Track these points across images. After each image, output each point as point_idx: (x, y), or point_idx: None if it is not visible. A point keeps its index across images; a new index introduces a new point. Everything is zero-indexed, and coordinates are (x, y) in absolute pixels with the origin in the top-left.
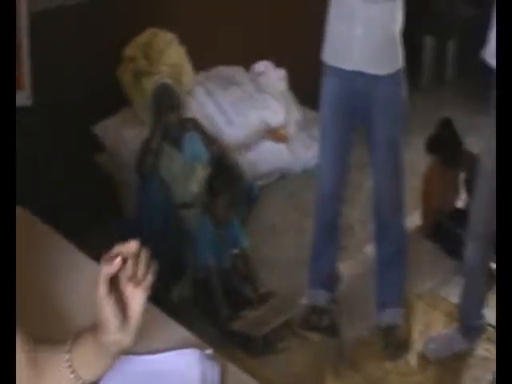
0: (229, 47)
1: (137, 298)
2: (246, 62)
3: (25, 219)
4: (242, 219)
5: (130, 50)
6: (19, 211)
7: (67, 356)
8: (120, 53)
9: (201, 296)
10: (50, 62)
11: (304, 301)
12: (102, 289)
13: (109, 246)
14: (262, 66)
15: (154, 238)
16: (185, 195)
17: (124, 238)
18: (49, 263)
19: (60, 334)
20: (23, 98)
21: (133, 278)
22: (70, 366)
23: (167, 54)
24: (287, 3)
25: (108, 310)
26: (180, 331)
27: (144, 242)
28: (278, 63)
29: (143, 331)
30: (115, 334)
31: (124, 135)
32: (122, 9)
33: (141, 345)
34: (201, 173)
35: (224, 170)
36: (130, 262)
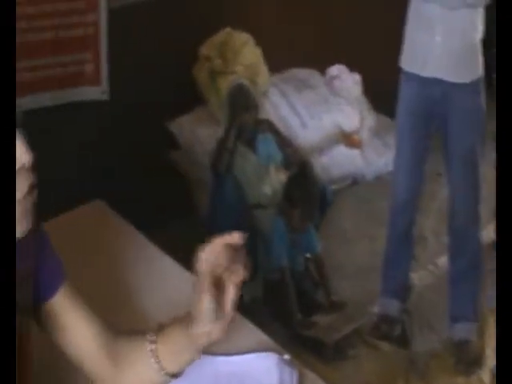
0: (304, 49)
1: (231, 291)
2: (321, 65)
3: (104, 213)
4: (316, 224)
5: (205, 49)
6: (100, 204)
7: (152, 346)
8: (196, 51)
9: (273, 298)
10: (127, 58)
11: (375, 309)
12: (204, 280)
13: (181, 243)
14: (337, 69)
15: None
16: (258, 196)
17: (197, 236)
18: (126, 256)
19: (135, 327)
20: (99, 93)
21: (229, 272)
22: (154, 357)
23: (243, 54)
24: (363, 7)
25: (206, 301)
26: (256, 334)
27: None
28: (353, 67)
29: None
30: (207, 326)
31: (199, 133)
32: (200, 7)
33: (217, 345)
34: (274, 174)
35: (300, 174)
36: (228, 255)
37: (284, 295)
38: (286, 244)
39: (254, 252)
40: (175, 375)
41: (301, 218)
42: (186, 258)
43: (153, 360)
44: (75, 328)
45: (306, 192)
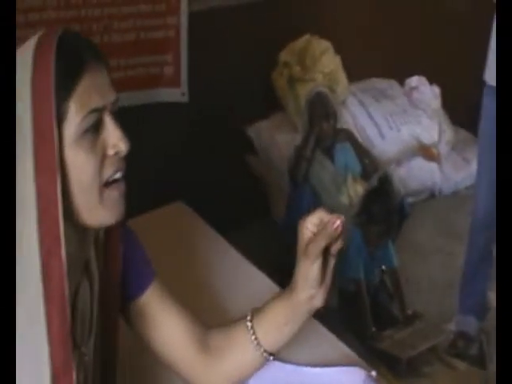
0: (383, 59)
1: (330, 262)
2: (400, 76)
3: (185, 214)
4: (392, 236)
5: (285, 56)
6: (181, 205)
7: (250, 324)
8: (275, 57)
9: (347, 309)
10: (207, 61)
11: (452, 326)
12: (310, 247)
13: (256, 246)
14: (416, 80)
15: None
16: (335, 206)
17: (272, 240)
18: (205, 257)
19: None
20: (179, 95)
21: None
22: (252, 334)
23: (322, 61)
24: (443, 20)
25: (313, 268)
26: (338, 346)
27: (291, 247)
28: (432, 79)
29: (303, 341)
30: (311, 289)
31: (276, 139)
32: (280, 13)
33: (299, 355)
34: (351, 184)
35: (380, 188)
36: (330, 229)
37: (359, 307)
38: (362, 256)
39: None
40: (274, 354)
41: (379, 233)
42: (260, 261)
43: (252, 338)
44: (166, 325)
45: (386, 208)
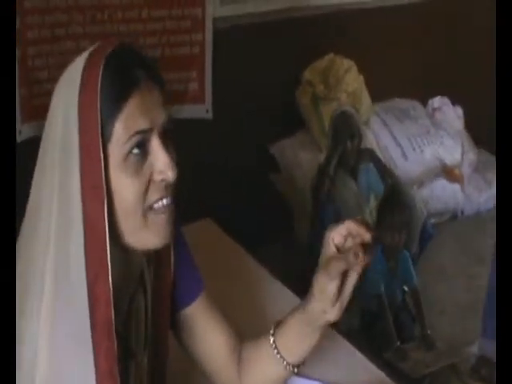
0: (406, 79)
1: (352, 277)
2: (422, 97)
3: (213, 231)
4: (414, 257)
5: (308, 74)
6: (208, 222)
7: (272, 338)
8: (299, 75)
9: (369, 328)
10: (231, 78)
11: (474, 349)
12: (331, 263)
13: (279, 263)
14: (439, 101)
15: None
16: None
17: (295, 257)
18: (232, 274)
19: None
20: (203, 111)
21: (348, 260)
22: (275, 348)
23: (346, 80)
24: (467, 40)
25: (331, 284)
26: (368, 367)
27: (314, 265)
28: (455, 100)
29: (331, 360)
30: (326, 303)
31: (300, 158)
32: (304, 31)
33: (326, 372)
34: (374, 204)
35: (398, 201)
36: (355, 240)
37: (382, 326)
38: (382, 271)
39: None
40: (297, 366)
41: (397, 245)
42: (284, 277)
43: (275, 352)
44: (210, 335)
45: (400, 217)
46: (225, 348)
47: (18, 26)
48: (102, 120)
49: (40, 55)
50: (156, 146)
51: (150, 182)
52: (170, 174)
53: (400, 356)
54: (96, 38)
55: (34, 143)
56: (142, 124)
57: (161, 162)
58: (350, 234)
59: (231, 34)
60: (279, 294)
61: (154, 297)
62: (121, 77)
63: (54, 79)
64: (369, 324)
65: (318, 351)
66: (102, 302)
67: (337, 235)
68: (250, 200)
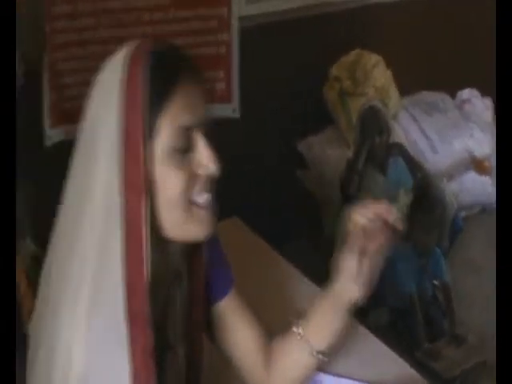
0: (434, 72)
1: (375, 257)
2: (451, 89)
3: (241, 229)
4: (444, 251)
5: (336, 70)
6: (236, 221)
7: (298, 329)
8: (326, 71)
9: (398, 326)
10: (258, 76)
11: None
12: (352, 239)
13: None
14: (468, 93)
15: None
16: None
17: (322, 254)
18: (260, 272)
19: None
20: (230, 110)
21: (377, 237)
22: (302, 337)
23: (373, 75)
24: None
25: (352, 259)
26: (399, 363)
27: None
28: (484, 92)
29: (361, 357)
30: (347, 280)
31: (328, 154)
32: (330, 27)
33: (357, 370)
34: (403, 199)
35: (425, 194)
36: (380, 223)
37: (411, 324)
38: (414, 270)
39: (381, 275)
40: (326, 353)
41: (428, 243)
42: (312, 274)
43: (302, 341)
44: (239, 330)
45: (432, 209)
46: (254, 344)
47: (47, 30)
48: (146, 115)
49: (68, 59)
50: (200, 141)
51: (193, 176)
52: (213, 169)
53: (431, 355)
54: (123, 41)
55: (63, 147)
56: (187, 120)
57: (204, 157)
58: (374, 216)
59: (257, 32)
60: (308, 291)
61: (188, 290)
62: (166, 72)
63: (82, 83)
64: (398, 321)
65: (347, 348)
66: (138, 295)
67: (357, 214)
68: (277, 198)
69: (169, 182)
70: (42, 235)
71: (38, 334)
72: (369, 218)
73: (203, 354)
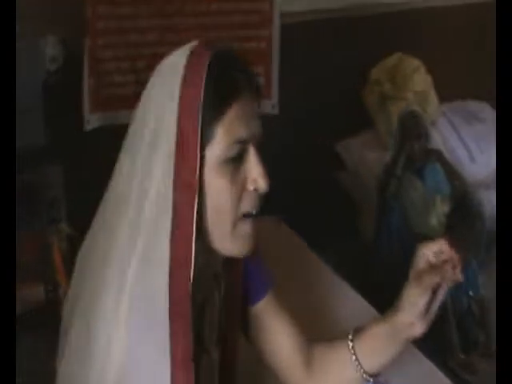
0: (473, 80)
1: (441, 292)
2: (491, 98)
3: (280, 229)
4: (480, 263)
5: (376, 73)
6: (276, 220)
7: (351, 344)
8: (366, 73)
9: (432, 336)
10: (298, 74)
11: None
12: (423, 276)
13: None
14: None
15: (390, 265)
16: (424, 226)
17: (359, 257)
18: (299, 272)
19: None
20: (270, 106)
21: (443, 275)
22: (353, 354)
23: (413, 80)
24: None
25: (422, 296)
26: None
27: (378, 265)
28: None
29: (403, 370)
30: (415, 316)
31: (365, 157)
32: (371, 29)
33: (394, 378)
34: (440, 206)
35: (465, 207)
36: (450, 274)
37: (445, 334)
38: None
39: None
40: (373, 375)
41: (462, 246)
42: (347, 277)
43: (353, 358)
44: (277, 331)
45: (468, 219)
46: (293, 346)
47: (88, 16)
48: (202, 122)
49: (108, 46)
50: (253, 155)
51: (243, 190)
52: (263, 185)
53: (465, 367)
54: (163, 31)
55: (102, 133)
56: (244, 133)
57: (256, 172)
58: (440, 252)
59: (298, 30)
60: (345, 294)
61: (225, 294)
62: (226, 80)
63: (120, 71)
64: (432, 331)
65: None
66: (181, 296)
67: (429, 251)
68: (314, 198)
69: (218, 192)
70: (78, 218)
71: (71, 320)
72: (435, 252)
73: (238, 356)
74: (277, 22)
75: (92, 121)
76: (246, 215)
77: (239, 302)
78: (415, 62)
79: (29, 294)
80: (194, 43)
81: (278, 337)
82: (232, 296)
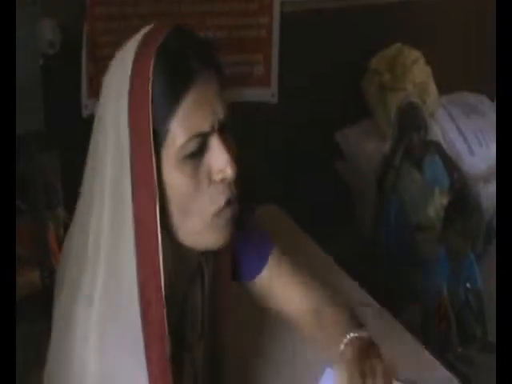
0: (472, 73)
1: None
2: (490, 91)
3: (278, 217)
4: (478, 255)
5: (375, 63)
6: (274, 208)
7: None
8: (365, 63)
9: (430, 327)
10: (297, 63)
11: None
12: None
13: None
14: None
15: (387, 257)
16: (421, 218)
17: (355, 247)
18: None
19: None
20: (268, 95)
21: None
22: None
23: (413, 71)
24: None
25: None
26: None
27: (377, 259)
28: None
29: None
30: None
31: (364, 146)
32: (372, 19)
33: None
34: (438, 198)
35: (463, 200)
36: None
37: (444, 326)
38: (446, 271)
39: (413, 276)
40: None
41: (459, 239)
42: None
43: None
44: (287, 294)
45: (466, 212)
46: (306, 308)
47: (87, 1)
48: (155, 118)
49: (107, 32)
50: (215, 145)
51: (210, 183)
52: (229, 172)
53: (463, 360)
54: (163, 17)
55: None
56: (201, 126)
57: (220, 161)
58: None
59: (299, 18)
60: (342, 283)
61: (214, 283)
62: (175, 71)
63: None
64: (430, 323)
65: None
66: (153, 303)
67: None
68: (312, 186)
69: (181, 191)
70: (74, 203)
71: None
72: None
73: (228, 342)
74: (277, 10)
75: (90, 106)
76: (216, 208)
77: (229, 288)
78: (415, 53)
79: (25, 280)
80: (147, 29)
81: (288, 298)
82: (222, 280)
